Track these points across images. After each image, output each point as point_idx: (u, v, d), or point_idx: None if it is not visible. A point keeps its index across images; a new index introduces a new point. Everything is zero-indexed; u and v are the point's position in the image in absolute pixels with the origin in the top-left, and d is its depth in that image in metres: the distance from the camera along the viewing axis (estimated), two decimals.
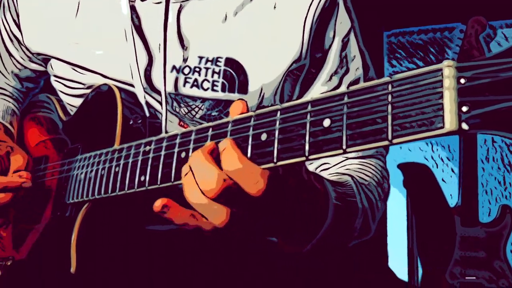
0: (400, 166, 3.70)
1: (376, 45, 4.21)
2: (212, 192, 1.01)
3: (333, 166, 1.64)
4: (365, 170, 1.59)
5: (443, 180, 3.85)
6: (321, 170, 1.66)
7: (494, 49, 3.99)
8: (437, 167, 4.09)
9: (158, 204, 1.07)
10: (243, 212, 1.05)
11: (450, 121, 0.74)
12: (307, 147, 0.91)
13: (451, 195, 3.73)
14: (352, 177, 1.48)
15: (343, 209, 1.27)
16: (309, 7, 1.58)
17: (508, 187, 3.98)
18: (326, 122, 0.89)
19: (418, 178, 3.72)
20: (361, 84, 0.86)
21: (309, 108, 0.92)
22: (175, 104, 1.63)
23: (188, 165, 1.06)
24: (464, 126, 0.74)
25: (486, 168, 4.01)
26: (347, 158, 1.64)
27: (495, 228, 3.54)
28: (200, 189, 1.03)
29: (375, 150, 1.68)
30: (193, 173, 1.05)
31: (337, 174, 1.54)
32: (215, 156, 1.04)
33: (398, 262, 3.72)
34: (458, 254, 3.53)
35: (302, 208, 1.12)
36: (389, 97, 0.82)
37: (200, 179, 1.03)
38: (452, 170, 4.09)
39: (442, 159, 4.14)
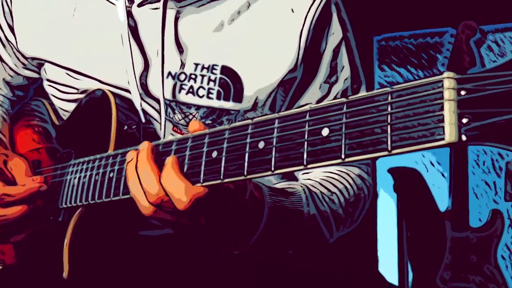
0: (391, 171, 3.70)
1: (366, 50, 4.21)
2: (152, 201, 1.17)
3: (308, 173, 1.67)
4: (336, 180, 1.63)
5: (433, 184, 3.85)
6: (303, 173, 1.68)
7: (484, 54, 4.01)
8: (427, 172, 4.09)
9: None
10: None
11: (450, 133, 0.75)
12: (305, 156, 0.91)
13: (441, 199, 3.73)
14: (302, 186, 1.54)
15: (278, 213, 1.36)
16: (306, 16, 1.59)
17: (499, 192, 3.98)
18: (325, 132, 0.89)
19: (408, 182, 3.72)
20: (361, 94, 0.87)
21: (308, 117, 0.93)
22: (169, 110, 1.63)
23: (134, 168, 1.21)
24: (464, 138, 0.74)
25: (476, 172, 4.01)
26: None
27: (486, 232, 3.55)
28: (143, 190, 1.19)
29: None
30: (139, 177, 1.20)
31: (290, 183, 1.60)
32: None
33: (388, 267, 3.72)
34: (449, 258, 3.54)
35: (241, 214, 1.25)
36: (389, 107, 0.82)
37: (144, 184, 1.18)
38: (443, 175, 4.09)
39: (432, 164, 4.14)
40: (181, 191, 1.12)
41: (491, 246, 3.52)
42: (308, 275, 1.58)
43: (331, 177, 1.62)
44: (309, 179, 1.63)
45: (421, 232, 3.63)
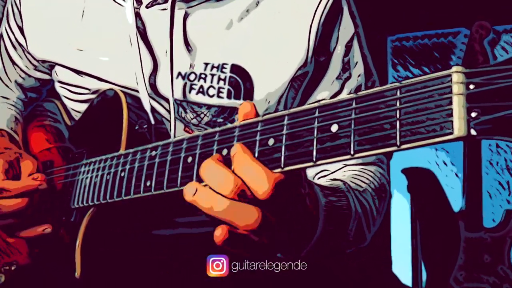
0: (404, 171, 3.69)
1: (380, 50, 4.21)
2: (232, 192, 0.99)
3: (331, 173, 1.64)
4: (362, 176, 1.59)
5: (447, 185, 3.83)
6: (320, 177, 1.66)
7: (498, 54, 4.00)
8: (441, 172, 4.08)
9: (219, 233, 1.00)
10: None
11: (459, 127, 0.74)
12: (314, 153, 0.91)
13: (455, 200, 3.72)
14: (344, 182, 1.48)
15: (333, 215, 1.27)
16: (315, 12, 1.58)
17: None
18: (334, 128, 0.89)
19: (422, 183, 3.71)
20: (369, 90, 0.86)
21: (317, 113, 0.92)
22: (181, 110, 1.63)
23: (195, 182, 1.04)
24: (473, 132, 0.74)
25: (490, 173, 4.00)
26: (346, 165, 1.65)
27: (499, 233, 3.53)
28: (220, 194, 1.00)
29: (375, 156, 1.68)
30: (207, 184, 1.02)
31: (331, 180, 1.54)
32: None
33: (402, 267, 3.71)
34: (462, 259, 3.53)
35: (297, 216, 1.11)
36: (398, 102, 0.81)
37: (216, 184, 1.01)
38: (456, 175, 4.08)
39: (446, 164, 4.12)
40: (261, 176, 0.98)
41: (505, 246, 3.50)
42: (321, 276, 1.57)
43: (356, 175, 1.60)
44: (334, 179, 1.57)
45: (434, 233, 3.62)
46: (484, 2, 3.79)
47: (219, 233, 0.99)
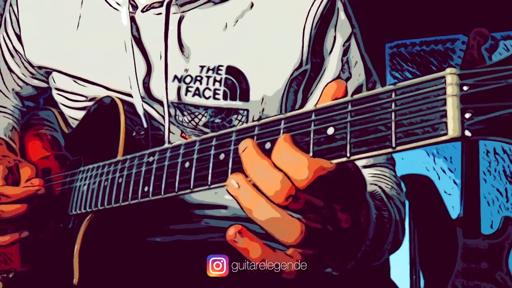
0: (402, 178, 3.70)
1: (378, 57, 4.22)
2: (280, 196, 0.88)
3: None
4: (383, 181, 1.57)
5: (445, 191, 3.84)
6: None
7: (496, 61, 3.98)
8: (439, 179, 4.09)
9: (231, 232, 0.93)
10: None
11: (453, 128, 0.75)
12: (311, 155, 0.91)
13: (453, 206, 3.72)
14: (380, 188, 1.45)
15: (381, 224, 1.23)
16: (308, 13, 1.59)
17: (510, 199, 3.97)
18: (330, 130, 0.89)
19: (420, 189, 3.71)
20: (365, 92, 0.87)
21: (313, 117, 0.93)
22: (178, 112, 1.63)
23: (241, 175, 0.94)
24: (467, 132, 0.74)
25: (488, 179, 4.01)
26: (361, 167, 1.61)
27: (497, 239, 3.53)
28: (268, 197, 0.90)
29: (386, 158, 1.68)
30: (251, 180, 0.92)
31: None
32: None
33: (400, 274, 3.71)
34: (460, 265, 3.53)
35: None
36: (393, 104, 0.82)
37: (260, 180, 0.91)
38: (454, 182, 4.09)
39: (444, 171, 4.13)
40: (300, 164, 0.87)
41: (503, 253, 3.50)
42: (320, 282, 1.57)
43: (379, 179, 1.57)
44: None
45: (432, 239, 3.62)
46: (482, 8, 3.80)
47: (231, 232, 0.93)
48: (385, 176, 1.59)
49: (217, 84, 1.59)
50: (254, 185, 0.91)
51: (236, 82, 1.58)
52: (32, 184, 1.61)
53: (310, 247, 0.96)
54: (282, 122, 0.98)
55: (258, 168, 0.91)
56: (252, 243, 0.93)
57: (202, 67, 1.60)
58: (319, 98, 0.97)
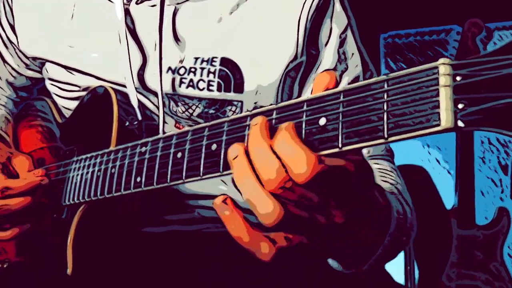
0: (397, 169, 3.70)
1: (372, 47, 4.21)
2: (272, 185, 0.88)
3: None
4: (386, 175, 1.56)
5: (439, 182, 3.84)
6: None
7: None
8: (433, 169, 4.09)
9: (218, 200, 0.96)
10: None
11: (446, 119, 0.74)
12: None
13: (447, 197, 3.73)
14: (392, 185, 1.44)
15: (401, 223, 1.21)
16: (303, 5, 1.58)
17: (505, 189, 3.98)
18: (322, 121, 0.88)
19: (414, 180, 3.71)
20: (357, 83, 0.86)
21: (305, 107, 0.92)
22: (172, 103, 1.63)
23: (242, 145, 0.94)
24: (460, 123, 0.74)
25: (482, 170, 4.01)
26: None
27: (492, 230, 3.54)
28: (258, 178, 0.91)
29: (385, 150, 1.67)
30: (250, 158, 0.93)
31: None
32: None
33: (394, 265, 3.71)
34: (455, 256, 3.53)
35: (366, 217, 1.02)
36: (385, 95, 0.81)
37: (259, 166, 0.91)
38: (449, 172, 4.09)
39: (438, 161, 4.14)
40: (299, 158, 0.86)
41: (497, 244, 3.51)
42: (315, 274, 1.57)
43: (384, 175, 1.55)
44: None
45: (427, 230, 3.63)
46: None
47: (219, 202, 0.96)
48: (386, 170, 1.59)
49: (211, 75, 1.58)
50: (251, 162, 0.93)
51: (230, 74, 1.58)
52: (35, 174, 1.60)
53: (295, 233, 0.96)
54: (274, 112, 0.97)
55: (258, 149, 0.91)
56: (233, 213, 0.95)
57: (197, 58, 1.60)
58: (312, 89, 0.96)
